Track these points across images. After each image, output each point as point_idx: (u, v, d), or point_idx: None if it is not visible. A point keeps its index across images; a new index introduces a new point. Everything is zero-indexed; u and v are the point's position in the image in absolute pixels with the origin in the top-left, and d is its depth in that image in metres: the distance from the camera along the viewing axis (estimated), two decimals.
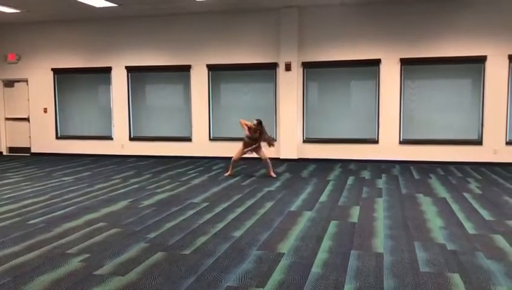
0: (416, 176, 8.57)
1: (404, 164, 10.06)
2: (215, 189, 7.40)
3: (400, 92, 10.26)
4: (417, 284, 3.47)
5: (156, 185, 7.82)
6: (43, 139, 12.44)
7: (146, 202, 6.42)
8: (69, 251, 4.27)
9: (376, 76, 10.37)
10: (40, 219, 5.52)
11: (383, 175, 8.68)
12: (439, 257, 4.08)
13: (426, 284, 3.47)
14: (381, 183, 7.86)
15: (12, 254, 4.22)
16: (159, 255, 4.17)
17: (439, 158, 10.09)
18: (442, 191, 7.12)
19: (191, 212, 5.82)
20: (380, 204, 6.22)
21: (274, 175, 8.57)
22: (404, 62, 10.17)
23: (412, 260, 3.99)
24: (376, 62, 10.29)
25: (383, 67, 10.28)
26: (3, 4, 9.82)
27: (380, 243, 4.50)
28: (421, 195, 6.82)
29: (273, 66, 10.79)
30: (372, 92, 10.46)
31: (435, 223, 5.24)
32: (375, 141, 10.46)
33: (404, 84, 10.27)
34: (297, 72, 10.59)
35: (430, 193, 7.01)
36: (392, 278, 3.59)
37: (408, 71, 10.23)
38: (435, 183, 7.85)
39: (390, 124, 10.34)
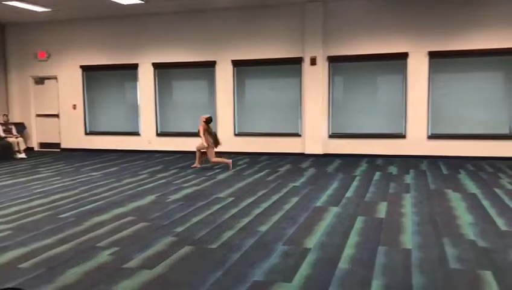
0: (445, 172, 8.40)
1: (433, 159, 9.88)
2: (240, 184, 7.43)
3: (428, 86, 10.07)
4: (447, 281, 3.41)
5: (182, 179, 7.90)
6: (73, 135, 12.71)
7: (173, 197, 6.50)
8: (98, 245, 4.36)
9: (403, 70, 10.19)
10: (70, 213, 5.65)
11: (411, 170, 8.55)
12: (469, 253, 4.00)
13: (456, 281, 3.41)
14: (408, 178, 7.74)
15: (45, 246, 4.34)
16: (186, 249, 4.22)
17: (469, 153, 9.86)
18: (472, 187, 6.96)
19: (217, 206, 5.86)
20: (408, 200, 6.13)
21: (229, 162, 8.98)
22: (433, 55, 9.96)
23: (441, 257, 3.92)
24: (403, 56, 10.12)
25: (410, 61, 10.10)
26: (36, 4, 10.06)
27: (408, 239, 4.43)
28: (450, 191, 6.69)
29: (298, 61, 10.74)
30: (399, 86, 10.29)
31: (465, 219, 5.14)
32: (402, 136, 10.31)
33: (433, 78, 10.07)
34: (322, 67, 10.51)
35: (459, 188, 6.87)
36: (421, 275, 3.53)
37: (437, 65, 10.02)
38: (464, 178, 7.68)
39: (418, 119, 10.16)
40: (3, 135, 11.43)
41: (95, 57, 12.28)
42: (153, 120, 12.01)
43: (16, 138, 11.51)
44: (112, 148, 12.27)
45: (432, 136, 10.15)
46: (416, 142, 10.21)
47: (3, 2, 9.83)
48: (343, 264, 3.78)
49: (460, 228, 4.80)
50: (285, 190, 6.87)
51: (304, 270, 3.67)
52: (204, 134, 8.82)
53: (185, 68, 11.69)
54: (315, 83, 10.57)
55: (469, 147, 9.91)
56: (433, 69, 10.04)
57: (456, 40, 9.79)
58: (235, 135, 11.41)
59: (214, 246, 4.30)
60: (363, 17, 10.30)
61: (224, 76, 11.35)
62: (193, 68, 11.64)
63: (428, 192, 6.65)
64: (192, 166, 9.22)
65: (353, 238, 4.47)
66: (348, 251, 4.10)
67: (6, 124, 11.72)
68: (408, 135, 10.27)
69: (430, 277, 3.49)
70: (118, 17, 11.85)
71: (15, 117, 12.85)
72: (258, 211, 5.62)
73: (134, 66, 11.98)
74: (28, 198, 6.54)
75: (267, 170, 8.81)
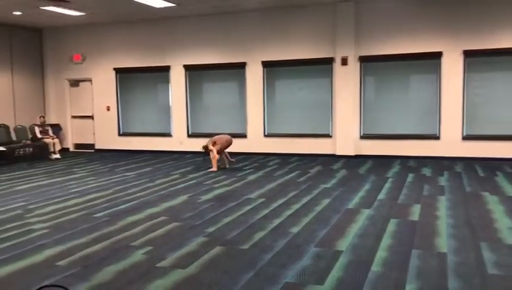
0: (481, 174, 8.17)
1: (468, 161, 9.62)
2: (271, 185, 7.42)
3: (463, 86, 9.81)
4: (484, 287, 3.31)
5: (213, 180, 7.96)
6: (106, 136, 12.99)
7: (204, 197, 6.56)
8: (132, 244, 4.44)
9: (437, 69, 9.97)
10: (105, 212, 5.77)
11: (445, 172, 8.35)
12: (508, 259, 3.88)
13: (494, 287, 3.31)
14: (443, 180, 7.57)
15: (80, 245, 4.45)
16: (217, 249, 4.25)
17: (507, 155, 9.54)
18: (510, 190, 6.74)
19: (248, 207, 5.88)
20: (442, 202, 5.99)
21: (215, 169, 8.98)
22: (468, 54, 9.71)
23: (479, 261, 3.82)
24: (437, 55, 9.90)
25: (444, 60, 9.87)
26: (71, 8, 10.34)
27: (443, 242, 4.34)
28: (487, 193, 6.50)
29: (329, 61, 10.65)
30: (433, 86, 10.07)
31: (503, 223, 4.98)
32: (436, 137, 10.08)
33: (468, 78, 9.81)
34: (354, 67, 10.39)
35: (496, 191, 6.67)
36: (457, 279, 3.45)
37: (472, 64, 9.76)
38: (502, 181, 7.45)
39: (452, 119, 9.92)
40: (39, 136, 11.79)
41: (128, 59, 12.52)
42: (184, 121, 12.15)
43: (52, 138, 11.85)
44: (145, 149, 12.48)
45: (467, 137, 9.89)
46: (450, 143, 9.97)
47: (41, 8, 10.15)
48: (376, 267, 3.73)
49: (499, 232, 4.66)
50: (316, 192, 6.83)
51: (336, 272, 3.64)
52: (214, 149, 9.05)
53: (216, 70, 11.78)
54: (346, 83, 10.46)
55: (506, 148, 9.60)
56: (468, 68, 9.78)
57: (492, 38, 9.50)
58: (265, 136, 11.42)
59: (246, 246, 4.31)
60: (395, 16, 10.14)
61: (254, 77, 11.38)
62: (223, 70, 11.71)
63: (464, 194, 6.48)
64: (221, 167, 9.30)
65: (386, 241, 4.40)
66: (381, 254, 4.04)
67: (43, 125, 12.09)
68: (442, 135, 10.03)
69: (466, 282, 3.40)
70: (151, 20, 12.05)
71: (51, 119, 13.24)
72: (289, 212, 5.61)
73: (166, 68, 12.16)
74: (64, 197, 6.73)
75: (297, 171, 8.78)
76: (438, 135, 10.07)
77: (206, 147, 9.17)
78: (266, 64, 11.24)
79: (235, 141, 11.57)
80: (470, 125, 9.88)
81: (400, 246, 4.26)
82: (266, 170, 9.01)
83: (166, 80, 12.25)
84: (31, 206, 6.16)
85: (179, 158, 11.14)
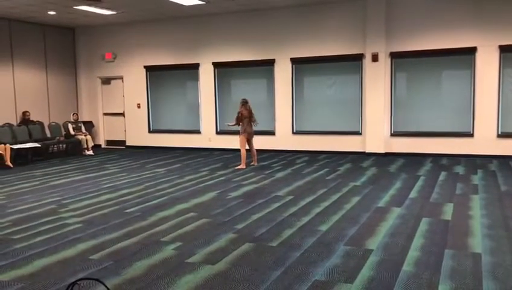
0: None
1: (503, 159, 9.34)
2: (299, 183, 7.39)
3: (499, 82, 9.52)
4: None
5: (241, 177, 7.98)
6: (137, 132, 13.20)
7: (233, 194, 6.58)
8: (163, 239, 4.50)
9: (471, 65, 9.71)
10: (136, 207, 5.87)
11: (479, 171, 8.13)
12: None
13: None
14: (476, 179, 7.37)
15: (112, 239, 4.53)
16: (246, 246, 4.26)
17: None
18: None
19: (276, 205, 5.87)
20: (476, 201, 5.84)
21: (243, 167, 8.97)
22: (504, 49, 9.41)
23: None
24: (471, 50, 9.63)
25: (479, 56, 9.60)
26: (103, 7, 10.54)
27: (477, 243, 4.22)
28: None
29: (359, 57, 10.51)
30: (467, 82, 9.81)
31: None
32: (469, 135, 9.83)
33: (504, 73, 9.51)
34: (384, 63, 10.22)
35: None
36: (493, 281, 3.35)
37: (508, 59, 9.45)
38: None
39: (487, 117, 9.64)
40: (73, 132, 12.07)
41: (158, 57, 12.67)
42: (212, 119, 12.22)
43: (85, 135, 12.12)
44: (174, 145, 12.61)
45: (502, 135, 9.60)
46: (484, 141, 9.70)
47: (75, 7, 10.38)
48: (407, 267, 3.66)
49: None
50: (345, 189, 6.76)
51: (366, 271, 3.59)
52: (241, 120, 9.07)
53: (244, 67, 11.79)
54: (377, 79, 10.30)
55: None
56: (504, 64, 9.48)
57: None
58: (294, 133, 11.37)
59: (274, 244, 4.30)
60: (427, 10, 9.91)
61: (282, 74, 11.34)
62: (252, 67, 11.72)
63: (499, 194, 6.29)
64: (251, 164, 9.30)
65: (418, 241, 4.32)
66: (413, 253, 3.96)
67: (76, 122, 12.37)
68: (476, 133, 9.77)
69: (502, 284, 3.30)
70: (180, 18, 12.15)
71: (84, 116, 13.54)
72: (317, 210, 5.57)
73: (196, 66, 12.24)
74: (97, 193, 6.87)
75: (326, 169, 8.71)
76: (471, 132, 9.81)
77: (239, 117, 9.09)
78: (295, 61, 11.18)
79: (264, 138, 11.61)
80: (506, 122, 9.58)
81: (432, 245, 4.17)
82: (294, 168, 8.97)
83: (196, 78, 12.34)
84: (65, 201, 6.32)
85: (208, 155, 11.22)
